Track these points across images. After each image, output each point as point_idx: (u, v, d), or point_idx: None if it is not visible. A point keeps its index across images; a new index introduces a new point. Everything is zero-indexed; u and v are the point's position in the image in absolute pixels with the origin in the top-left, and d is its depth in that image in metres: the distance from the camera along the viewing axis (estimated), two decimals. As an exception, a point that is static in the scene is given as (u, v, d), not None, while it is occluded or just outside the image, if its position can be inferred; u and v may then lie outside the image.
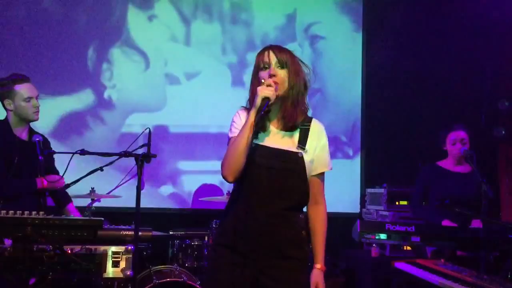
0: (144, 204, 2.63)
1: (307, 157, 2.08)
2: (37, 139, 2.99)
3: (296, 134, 2.11)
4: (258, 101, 1.98)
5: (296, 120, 2.09)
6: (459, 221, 3.39)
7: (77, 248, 2.51)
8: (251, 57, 4.44)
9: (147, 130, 2.83)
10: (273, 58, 2.08)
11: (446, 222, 3.40)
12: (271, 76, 2.05)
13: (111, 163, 3.03)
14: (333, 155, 4.89)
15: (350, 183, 5.07)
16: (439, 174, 3.65)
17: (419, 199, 3.70)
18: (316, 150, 2.13)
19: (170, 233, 3.96)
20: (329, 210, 5.13)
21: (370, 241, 3.11)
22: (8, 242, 2.39)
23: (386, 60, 5.09)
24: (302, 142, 2.09)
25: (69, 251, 2.46)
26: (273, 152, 2.05)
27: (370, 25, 5.20)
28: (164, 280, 3.34)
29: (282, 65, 2.08)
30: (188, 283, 3.36)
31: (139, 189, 2.61)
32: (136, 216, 2.61)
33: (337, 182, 5.00)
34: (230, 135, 2.11)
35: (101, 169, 3.25)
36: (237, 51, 4.95)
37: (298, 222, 2.10)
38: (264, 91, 1.98)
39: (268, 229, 2.02)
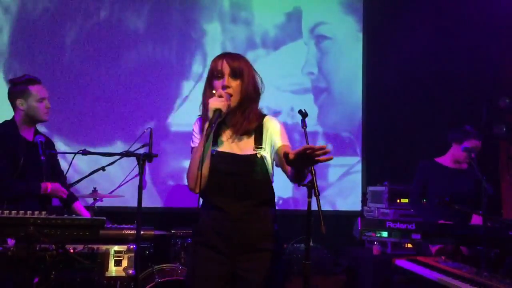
0: (146, 203, 2.65)
1: (266, 153, 2.15)
2: (40, 139, 3.01)
3: (252, 136, 2.17)
4: (210, 113, 2.02)
5: (248, 127, 2.14)
6: (458, 219, 3.40)
7: (80, 247, 2.54)
8: (251, 56, 4.51)
9: (149, 129, 2.85)
10: (226, 68, 2.11)
11: (442, 222, 3.41)
12: (224, 87, 2.09)
13: (112, 162, 3.06)
14: (336, 153, 4.98)
15: (351, 181, 5.09)
16: (437, 171, 3.66)
17: (417, 196, 3.71)
18: (272, 139, 2.17)
19: (172, 232, 3.97)
20: (331, 208, 5.15)
21: (371, 238, 3.13)
22: (11, 242, 2.41)
23: (387, 59, 5.10)
24: (258, 142, 2.15)
25: (72, 250, 2.48)
26: (233, 158, 2.12)
27: (371, 25, 5.21)
28: (166, 278, 3.36)
29: (235, 75, 2.11)
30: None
31: (140, 188, 2.63)
32: (138, 215, 2.62)
33: (339, 180, 5.03)
34: (192, 145, 2.19)
35: (103, 169, 3.28)
36: (237, 50, 4.96)
37: (269, 216, 2.18)
38: (215, 103, 2.02)
39: (240, 226, 2.11)
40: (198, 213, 2.23)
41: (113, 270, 2.75)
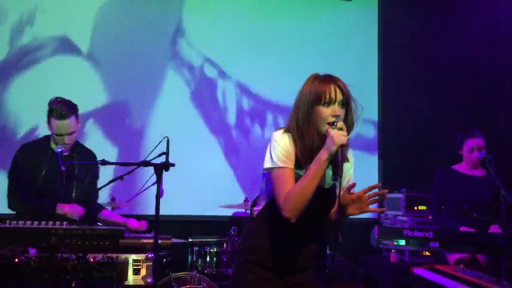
0: (163, 211, 2.67)
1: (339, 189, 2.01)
2: (59, 149, 3.05)
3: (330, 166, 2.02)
4: (334, 148, 1.86)
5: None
6: (477, 227, 3.37)
7: (99, 256, 2.56)
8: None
9: (166, 138, 2.87)
10: (339, 96, 1.97)
11: (463, 229, 3.38)
12: (336, 115, 1.95)
13: (130, 172, 3.09)
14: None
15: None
16: (454, 178, 3.64)
17: (437, 205, 3.68)
18: (347, 175, 2.09)
19: (189, 240, 4.00)
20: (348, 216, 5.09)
21: (388, 247, 3.10)
22: (32, 251, 2.46)
23: (403, 63, 5.08)
24: (336, 173, 1.96)
25: (92, 260, 2.52)
26: (321, 191, 2.01)
27: (385, 28, 5.20)
28: (184, 287, 3.38)
29: (343, 104, 1.98)
30: (207, 290, 3.40)
31: (158, 198, 2.65)
32: (155, 224, 2.65)
33: (355, 187, 5.00)
34: (280, 164, 1.97)
35: (121, 178, 3.32)
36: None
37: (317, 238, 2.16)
38: (341, 138, 1.87)
39: (299, 250, 2.08)
40: (251, 229, 2.14)
41: (131, 278, 2.77)
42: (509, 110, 4.70)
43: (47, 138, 3.16)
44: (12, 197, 3.06)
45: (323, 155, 1.89)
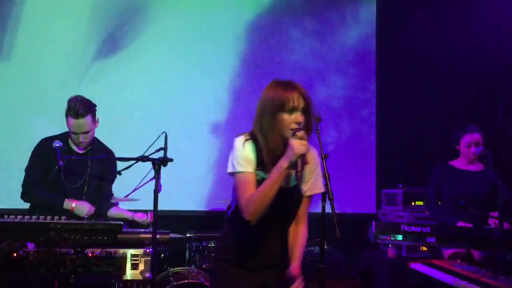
0: (161, 206, 2.68)
1: (304, 187, 2.15)
2: (57, 145, 3.04)
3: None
4: (294, 158, 1.96)
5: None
6: (474, 221, 3.38)
7: (98, 251, 2.57)
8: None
9: (164, 134, 2.88)
10: (301, 103, 2.03)
11: (461, 224, 3.39)
12: (298, 122, 2.01)
13: (128, 167, 3.09)
14: (349, 156, 4.98)
15: (365, 184, 5.08)
16: (451, 173, 3.65)
17: (434, 200, 3.70)
18: (312, 178, 2.17)
19: (187, 235, 4.01)
20: (345, 211, 5.15)
21: (385, 242, 3.12)
22: (30, 245, 2.47)
23: (400, 59, 5.08)
24: (300, 173, 2.11)
25: (90, 255, 2.52)
26: (285, 191, 2.08)
27: (384, 23, 5.20)
28: (182, 281, 3.40)
29: (305, 111, 2.05)
30: (205, 284, 3.41)
31: (156, 193, 2.66)
32: (154, 219, 2.66)
33: (353, 183, 5.02)
34: (240, 168, 2.06)
35: (119, 173, 3.33)
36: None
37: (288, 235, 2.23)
38: (301, 148, 1.95)
39: (271, 247, 2.15)
40: (225, 230, 2.22)
41: (130, 273, 2.78)
42: (507, 107, 4.70)
43: (67, 134, 3.17)
44: (24, 188, 3.12)
45: (283, 163, 1.98)
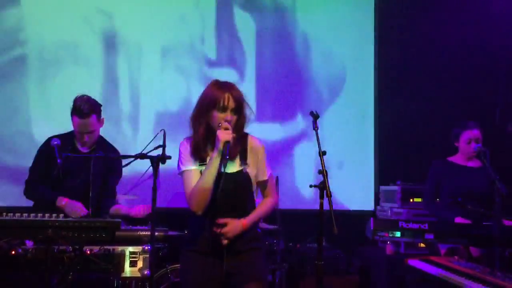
0: (159, 203, 2.68)
1: (250, 170, 2.35)
2: (55, 143, 3.04)
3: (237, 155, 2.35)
4: (221, 145, 2.20)
5: (236, 152, 2.32)
6: (472, 218, 3.39)
7: (96, 248, 2.58)
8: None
9: (162, 131, 2.87)
10: (232, 104, 2.27)
11: (459, 220, 3.40)
12: (227, 121, 2.25)
13: (127, 165, 3.09)
14: (347, 154, 4.98)
15: (364, 180, 5.08)
16: (450, 170, 3.65)
17: (431, 196, 3.70)
18: (257, 163, 2.38)
19: (185, 232, 4.00)
20: (344, 207, 5.15)
21: (383, 238, 3.13)
22: (29, 243, 2.47)
23: (399, 56, 5.08)
24: (243, 159, 2.35)
25: (88, 252, 2.53)
26: (226, 176, 2.26)
27: (382, 21, 5.19)
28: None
29: (236, 111, 2.28)
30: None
31: (155, 190, 2.65)
32: (152, 216, 2.66)
33: (351, 180, 5.02)
34: (183, 168, 2.34)
35: (117, 170, 3.33)
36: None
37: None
38: (225, 136, 2.20)
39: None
40: (189, 223, 2.41)
41: (128, 270, 2.79)
42: (505, 103, 4.71)
43: (72, 133, 3.19)
44: (26, 185, 3.17)
45: (213, 154, 2.24)
